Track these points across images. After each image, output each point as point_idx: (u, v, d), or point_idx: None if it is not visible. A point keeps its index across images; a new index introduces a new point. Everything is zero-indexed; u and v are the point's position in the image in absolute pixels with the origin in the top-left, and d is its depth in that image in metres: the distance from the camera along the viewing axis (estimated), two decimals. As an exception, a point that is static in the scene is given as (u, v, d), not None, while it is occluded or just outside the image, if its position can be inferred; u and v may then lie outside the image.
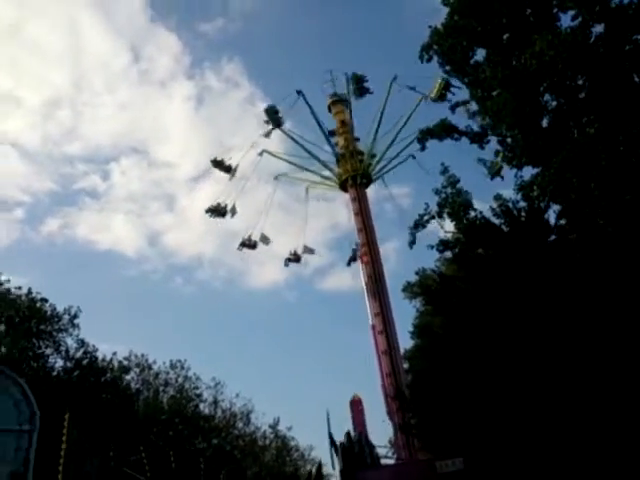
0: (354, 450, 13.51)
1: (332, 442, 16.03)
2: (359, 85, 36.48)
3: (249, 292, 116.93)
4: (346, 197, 37.37)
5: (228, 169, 35.05)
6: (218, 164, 35.07)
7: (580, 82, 16.10)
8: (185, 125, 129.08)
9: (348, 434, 14.33)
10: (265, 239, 35.59)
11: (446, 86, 32.96)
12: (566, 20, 16.72)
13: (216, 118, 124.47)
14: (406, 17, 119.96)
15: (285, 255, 36.47)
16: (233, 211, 35.09)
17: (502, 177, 19.18)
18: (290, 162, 37.44)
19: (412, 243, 19.56)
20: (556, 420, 9.86)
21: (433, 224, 19.94)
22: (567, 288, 9.92)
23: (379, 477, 13.75)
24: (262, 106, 36.86)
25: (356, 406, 24.65)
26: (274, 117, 34.78)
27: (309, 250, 36.36)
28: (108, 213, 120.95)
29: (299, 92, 35.82)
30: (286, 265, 36.31)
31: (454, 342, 11.63)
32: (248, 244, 35.57)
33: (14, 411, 10.21)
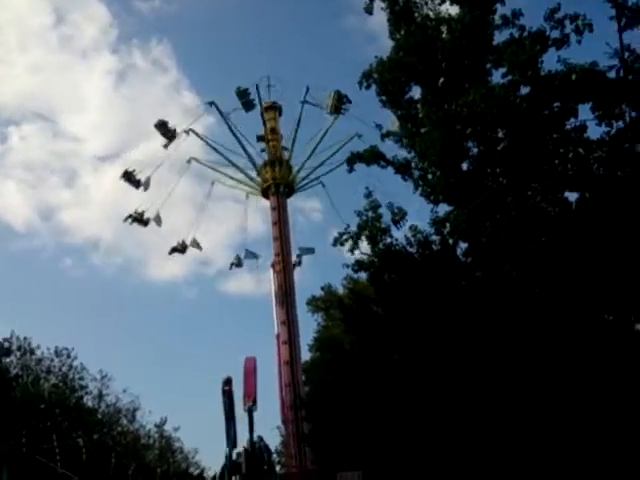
0: (256, 457, 13.68)
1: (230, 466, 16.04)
2: (244, 99, 36.64)
3: (145, 284, 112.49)
4: (264, 204, 37.66)
5: (137, 183, 33.70)
6: (128, 177, 33.62)
7: (500, 135, 17.70)
8: (101, 100, 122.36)
9: (252, 440, 14.48)
10: (196, 244, 35.01)
11: (339, 98, 34.76)
12: (497, 76, 18.42)
13: (137, 99, 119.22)
14: (342, 34, 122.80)
15: (190, 252, 35.76)
16: (158, 220, 33.97)
17: (399, 227, 20.64)
18: (216, 150, 36.99)
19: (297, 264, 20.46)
20: (451, 439, 10.72)
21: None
22: (471, 322, 10.88)
23: None
24: (187, 95, 36.45)
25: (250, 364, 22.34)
26: (165, 132, 34.18)
27: (197, 245, 35.70)
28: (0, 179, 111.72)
29: (211, 103, 36.07)
30: (170, 254, 35.61)
31: (362, 360, 12.25)
32: (180, 249, 34.72)
33: None
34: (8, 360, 31.62)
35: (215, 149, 36.50)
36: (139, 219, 33.64)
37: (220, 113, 35.96)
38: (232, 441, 16.94)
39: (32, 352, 34.91)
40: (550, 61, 16.36)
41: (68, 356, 36.92)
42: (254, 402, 18.03)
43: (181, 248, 34.93)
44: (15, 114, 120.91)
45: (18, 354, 33.57)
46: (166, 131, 33.76)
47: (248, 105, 35.94)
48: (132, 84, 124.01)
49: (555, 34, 16.81)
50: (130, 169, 33.40)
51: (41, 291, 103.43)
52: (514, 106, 15.63)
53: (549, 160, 15.39)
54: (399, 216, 20.69)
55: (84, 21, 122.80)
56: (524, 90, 16.37)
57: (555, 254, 11.82)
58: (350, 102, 34.04)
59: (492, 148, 17.59)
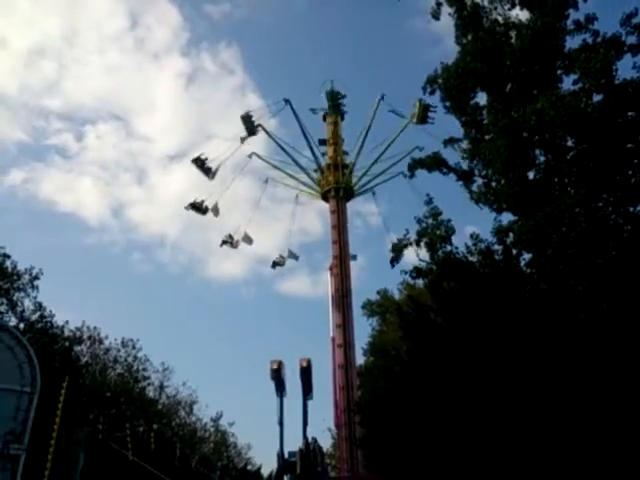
0: (310, 458, 13.91)
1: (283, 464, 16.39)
2: (335, 102, 37.13)
3: (206, 281, 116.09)
4: (321, 205, 38.02)
5: (207, 170, 34.99)
6: (199, 164, 34.96)
7: (570, 143, 17.14)
8: (172, 101, 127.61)
9: (307, 441, 14.71)
10: (248, 239, 35.74)
11: (426, 108, 34.25)
12: (567, 82, 17.86)
13: (204, 101, 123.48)
14: (410, 38, 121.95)
15: (251, 251, 36.62)
16: (215, 211, 35.11)
17: (481, 207, 20.13)
18: (277, 167, 37.75)
19: (394, 260, 20.34)
20: (512, 457, 10.55)
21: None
22: (535, 336, 10.63)
23: None
24: (253, 97, 37.40)
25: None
26: (249, 125, 35.14)
27: (248, 239, 36.26)
28: (76, 175, 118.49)
29: (287, 100, 36.52)
30: (220, 246, 36.29)
31: (420, 369, 12.23)
32: (230, 242, 35.60)
33: (17, 372, 10.30)
34: (79, 348, 33.39)
35: (282, 147, 37.09)
36: (198, 207, 34.79)
37: (293, 112, 36.39)
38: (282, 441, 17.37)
39: (101, 342, 36.82)
40: (625, 68, 15.77)
41: (133, 347, 38.64)
42: (310, 391, 18.38)
43: (232, 241, 35.62)
44: (92, 113, 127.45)
45: (88, 343, 35.45)
46: (250, 124, 34.80)
47: (337, 108, 36.65)
48: (200, 86, 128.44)
49: (631, 40, 16.17)
50: (203, 156, 34.58)
51: (111, 283, 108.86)
52: (585, 114, 15.10)
53: (622, 171, 14.78)
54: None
55: (157, 24, 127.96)
56: (596, 97, 15.85)
57: (626, 270, 11.36)
58: (435, 111, 33.45)
59: (561, 157, 17.06)
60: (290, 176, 37.67)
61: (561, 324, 11.44)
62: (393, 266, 20.26)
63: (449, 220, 19.75)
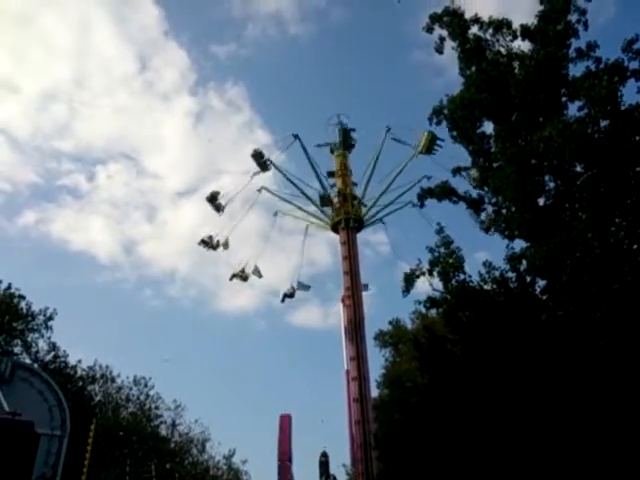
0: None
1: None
2: (347, 139, 37.68)
3: (217, 315, 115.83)
4: (329, 236, 38.09)
5: (218, 207, 35.51)
6: (211, 199, 35.50)
7: (579, 169, 17.20)
8: (180, 140, 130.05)
9: (327, 478, 14.43)
10: (258, 272, 35.82)
11: (433, 139, 34.61)
12: (572, 109, 18.05)
13: (212, 138, 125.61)
14: (411, 72, 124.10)
15: (261, 284, 36.67)
16: (226, 245, 35.39)
17: (491, 234, 20.09)
18: (286, 200, 38.04)
19: (407, 290, 20.25)
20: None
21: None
22: (556, 368, 10.47)
23: None
24: (260, 133, 38.01)
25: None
26: (260, 161, 35.71)
27: (258, 272, 36.34)
28: (87, 215, 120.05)
29: (295, 136, 37.08)
30: (230, 279, 36.30)
31: (438, 401, 12.04)
32: (240, 275, 35.69)
33: (47, 415, 10.32)
34: (91, 388, 33.26)
35: (286, 200, 37.57)
36: (209, 243, 35.05)
37: (302, 146, 36.85)
38: None
39: (113, 380, 36.69)
40: (630, 93, 15.93)
41: (145, 385, 38.46)
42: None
43: (242, 275, 35.69)
44: (103, 154, 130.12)
45: (101, 382, 35.30)
46: (261, 161, 35.38)
47: (347, 144, 37.21)
48: (208, 124, 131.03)
49: (634, 65, 16.40)
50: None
51: (123, 320, 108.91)
52: (593, 140, 15.21)
53: (632, 195, 14.77)
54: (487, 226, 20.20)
55: (165, 66, 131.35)
56: (602, 123, 15.97)
57: (643, 294, 11.25)
58: (443, 142, 33.86)
59: (570, 183, 17.11)
60: (299, 208, 37.93)
61: (580, 351, 11.28)
62: (405, 296, 20.19)
63: (458, 249, 19.77)
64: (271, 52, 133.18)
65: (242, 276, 35.60)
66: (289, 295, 36.16)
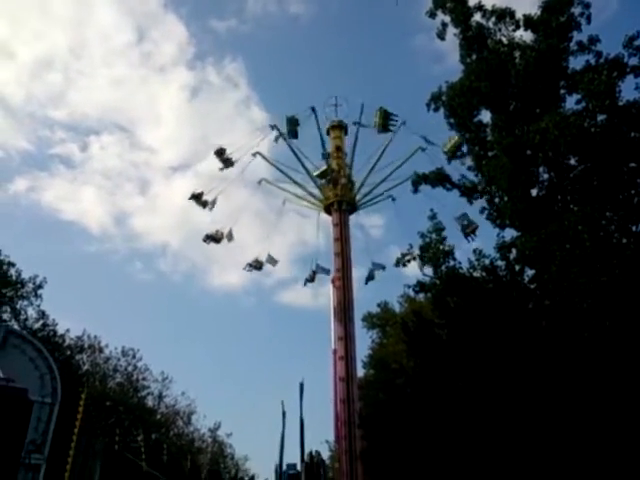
0: (313, 471, 13.94)
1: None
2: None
3: (207, 291, 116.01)
4: (323, 217, 38.21)
5: (227, 161, 35.48)
6: (220, 154, 35.42)
7: (573, 162, 17.38)
8: (176, 114, 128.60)
9: (311, 454, 14.79)
10: (272, 260, 35.92)
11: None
12: (570, 102, 18.16)
13: (208, 113, 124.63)
14: (411, 56, 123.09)
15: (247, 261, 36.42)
16: (213, 204, 35.51)
17: (474, 238, 20.42)
18: (280, 170, 37.93)
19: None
20: (515, 472, 10.65)
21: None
22: (541, 355, 10.76)
23: None
24: (256, 110, 37.86)
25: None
26: (223, 158, 35.47)
27: (273, 260, 36.43)
28: (79, 185, 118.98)
29: (313, 109, 37.09)
30: (244, 269, 36.30)
31: (425, 384, 12.34)
32: (254, 265, 35.64)
33: (38, 383, 10.44)
34: (79, 357, 33.43)
35: (281, 170, 37.45)
36: (214, 237, 35.20)
37: (281, 135, 36.91)
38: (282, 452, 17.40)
39: (101, 350, 36.86)
40: (628, 89, 16.07)
41: (133, 356, 38.67)
42: None
43: (257, 264, 35.75)
44: (97, 124, 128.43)
45: (89, 352, 35.47)
46: (224, 158, 35.29)
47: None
48: (205, 99, 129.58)
49: (634, 61, 16.52)
50: (197, 191, 35.14)
51: (112, 292, 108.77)
52: (589, 134, 15.37)
53: (625, 190, 15.01)
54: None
55: (163, 39, 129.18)
56: (600, 117, 16.12)
57: (629, 288, 11.52)
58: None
59: (564, 175, 17.30)
60: (296, 196, 37.97)
61: (565, 340, 11.58)
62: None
63: (444, 238, 19.96)
64: (271, 30, 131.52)
65: (257, 266, 35.66)
66: (256, 267, 35.97)
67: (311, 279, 35.66)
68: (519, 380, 10.76)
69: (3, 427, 6.15)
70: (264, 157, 37.66)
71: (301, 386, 19.34)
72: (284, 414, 18.42)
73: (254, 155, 36.46)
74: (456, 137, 33.52)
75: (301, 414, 18.65)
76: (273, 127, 37.28)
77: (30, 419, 8.76)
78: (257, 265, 35.64)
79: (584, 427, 10.23)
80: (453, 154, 33.84)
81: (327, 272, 35.86)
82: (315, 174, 36.40)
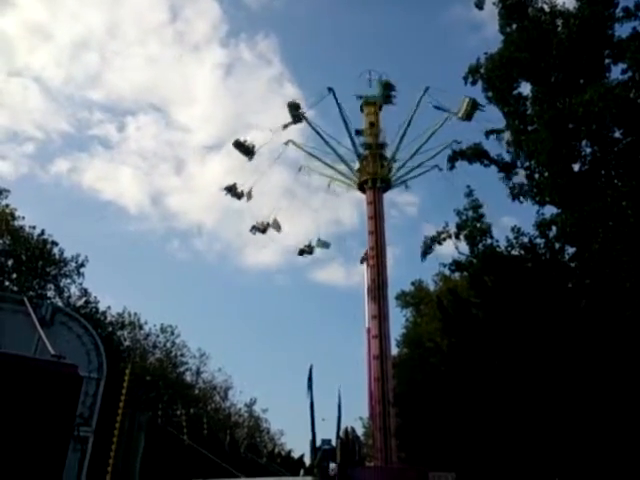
0: (349, 447, 14.17)
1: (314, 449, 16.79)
2: (386, 92, 36.91)
3: (242, 270, 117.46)
4: (357, 196, 37.85)
5: (248, 151, 35.53)
6: (239, 145, 35.51)
7: (618, 135, 16.68)
8: (210, 92, 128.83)
9: (346, 430, 15.01)
10: (277, 225, 36.06)
11: (474, 105, 33.59)
12: (615, 72, 17.35)
13: (242, 91, 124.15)
14: (447, 27, 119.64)
15: (286, 240, 36.84)
16: (249, 195, 35.62)
17: (521, 201, 19.79)
18: (312, 155, 37.69)
19: (425, 254, 20.28)
20: (548, 447, 10.53)
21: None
22: (581, 336, 10.51)
23: (372, 477, 14.45)
24: (289, 88, 37.30)
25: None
26: (295, 113, 35.28)
27: (277, 226, 36.65)
28: (117, 165, 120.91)
29: (330, 89, 36.33)
30: (251, 231, 36.66)
31: (461, 363, 12.24)
32: (260, 228, 36.04)
33: (85, 359, 10.87)
34: (120, 333, 34.46)
35: (322, 136, 36.72)
36: (234, 191, 35.57)
37: (336, 101, 36.17)
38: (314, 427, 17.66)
39: (141, 327, 37.87)
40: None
41: (172, 333, 39.59)
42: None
43: (262, 227, 36.05)
44: (133, 105, 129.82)
45: (129, 328, 36.50)
46: (296, 112, 35.13)
47: (387, 99, 36.53)
48: (238, 77, 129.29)
49: (685, 27, 15.66)
50: (231, 183, 35.39)
51: (150, 270, 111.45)
52: (635, 106, 14.69)
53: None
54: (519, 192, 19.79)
55: (196, 17, 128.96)
56: (647, 88, 15.39)
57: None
58: (484, 109, 32.96)
59: (608, 149, 16.64)
60: (327, 165, 37.60)
61: (605, 320, 11.27)
62: (423, 260, 20.21)
63: (482, 215, 19.48)
64: (304, 5, 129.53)
65: (261, 228, 35.95)
66: (307, 251, 36.29)
67: (308, 251, 35.89)
68: (556, 361, 10.54)
69: (57, 402, 6.42)
70: (297, 145, 37.44)
71: (310, 370, 19.59)
72: (310, 378, 18.64)
73: (286, 144, 36.42)
74: (467, 98, 32.51)
75: (311, 398, 18.97)
76: (330, 90, 36.05)
77: (82, 394, 9.18)
78: (262, 228, 35.88)
79: (622, 410, 9.98)
80: (469, 116, 32.93)
81: (327, 246, 36.27)
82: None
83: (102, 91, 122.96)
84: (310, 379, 19.06)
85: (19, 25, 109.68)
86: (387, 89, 37.02)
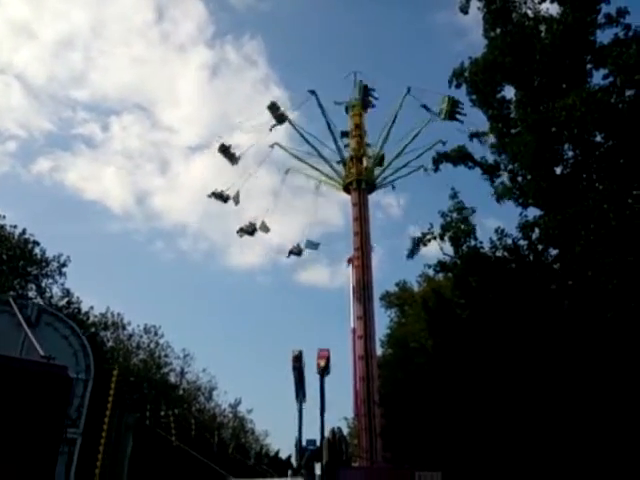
0: (336, 447, 14.20)
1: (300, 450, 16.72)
2: (365, 96, 37.05)
3: (226, 270, 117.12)
4: (343, 197, 37.99)
5: (232, 157, 35.42)
6: (224, 150, 35.37)
7: (599, 139, 17.00)
8: (196, 93, 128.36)
9: (333, 430, 15.01)
10: (265, 227, 35.98)
11: (454, 104, 33.84)
12: (597, 77, 17.69)
13: (228, 92, 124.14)
14: (433, 31, 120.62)
15: (270, 241, 36.77)
16: (236, 200, 35.44)
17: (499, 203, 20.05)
18: (298, 158, 37.70)
19: (412, 254, 20.45)
20: (532, 445, 10.71)
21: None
22: (564, 336, 10.71)
23: (359, 477, 14.51)
24: (275, 89, 37.24)
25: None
26: (277, 114, 35.23)
27: (265, 228, 36.67)
28: (101, 165, 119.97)
29: (312, 92, 36.41)
30: (237, 233, 36.56)
31: (445, 363, 12.39)
32: (247, 230, 35.91)
33: (73, 360, 10.78)
34: (103, 334, 34.07)
35: (305, 139, 36.81)
36: (220, 195, 35.26)
37: (319, 104, 36.20)
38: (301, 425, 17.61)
39: (124, 328, 37.40)
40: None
41: (155, 333, 39.21)
42: (327, 365, 18.08)
43: (249, 230, 35.93)
44: (117, 104, 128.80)
45: (112, 329, 36.10)
46: (277, 113, 34.98)
47: (366, 102, 36.54)
48: (224, 78, 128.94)
49: (665, 35, 16.01)
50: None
51: (134, 270, 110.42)
52: (616, 110, 15.01)
53: (653, 168, 14.68)
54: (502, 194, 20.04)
55: (182, 18, 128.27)
56: (628, 92, 15.71)
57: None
58: (463, 108, 33.09)
59: (590, 153, 16.96)
60: (312, 167, 37.65)
61: (587, 321, 11.50)
62: (409, 258, 20.37)
63: (470, 212, 19.70)
64: (290, 6, 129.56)
65: (249, 230, 35.81)
66: (296, 252, 36.36)
67: (297, 252, 35.88)
68: (539, 360, 10.74)
69: (48, 404, 6.40)
70: (283, 147, 37.43)
71: (301, 374, 19.47)
72: (302, 381, 18.59)
73: (272, 147, 36.39)
74: (446, 98, 32.72)
75: (301, 403, 19.03)
76: (312, 93, 36.00)
77: (71, 396, 9.11)
78: (249, 230, 35.78)
79: (605, 411, 10.21)
80: (451, 115, 33.16)
81: (315, 247, 36.29)
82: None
83: (86, 90, 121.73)
84: (302, 382, 18.87)
85: (2, 23, 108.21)
86: (365, 93, 37.20)
